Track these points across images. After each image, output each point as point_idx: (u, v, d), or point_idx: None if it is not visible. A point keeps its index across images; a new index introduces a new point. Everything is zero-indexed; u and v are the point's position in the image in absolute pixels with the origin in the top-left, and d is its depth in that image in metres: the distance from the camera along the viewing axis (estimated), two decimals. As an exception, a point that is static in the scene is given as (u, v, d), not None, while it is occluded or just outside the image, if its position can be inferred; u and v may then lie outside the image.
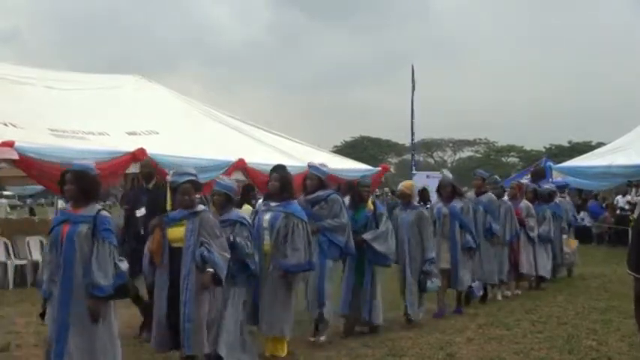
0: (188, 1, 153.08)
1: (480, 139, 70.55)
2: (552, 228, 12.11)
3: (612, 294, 10.70)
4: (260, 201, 8.24)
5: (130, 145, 9.20)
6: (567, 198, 16.50)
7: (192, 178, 6.20)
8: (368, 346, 7.60)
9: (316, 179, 7.86)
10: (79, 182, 5.41)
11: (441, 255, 9.36)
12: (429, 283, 8.68)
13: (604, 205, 23.07)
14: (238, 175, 10.71)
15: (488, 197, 10.63)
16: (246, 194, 9.85)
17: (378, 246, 8.11)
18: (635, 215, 18.00)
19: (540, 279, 11.86)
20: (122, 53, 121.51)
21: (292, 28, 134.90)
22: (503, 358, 7.09)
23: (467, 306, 9.94)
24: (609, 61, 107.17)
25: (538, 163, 18.15)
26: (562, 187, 16.22)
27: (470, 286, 9.81)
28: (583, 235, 18.76)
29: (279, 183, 7.26)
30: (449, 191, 9.72)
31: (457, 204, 9.64)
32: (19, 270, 12.43)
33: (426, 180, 17.91)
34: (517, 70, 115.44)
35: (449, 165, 69.57)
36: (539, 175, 16.88)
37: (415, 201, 9.07)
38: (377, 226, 8.21)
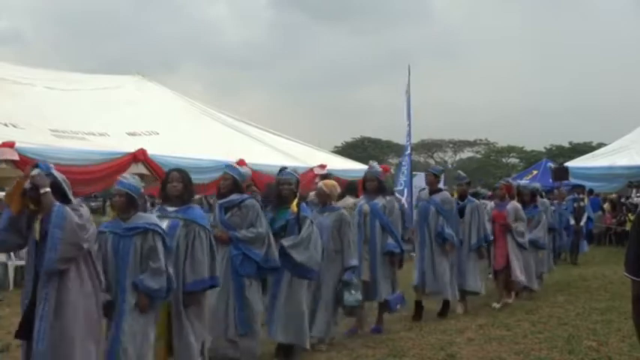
0: (188, 2, 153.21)
1: (481, 140, 70.50)
2: (545, 233, 11.51)
3: (613, 294, 10.70)
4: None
5: (130, 146, 9.20)
6: (586, 200, 16.54)
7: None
8: (369, 346, 7.60)
9: (230, 180, 6.83)
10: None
11: (361, 263, 8.05)
12: (347, 295, 7.39)
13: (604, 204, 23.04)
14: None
15: (441, 196, 9.45)
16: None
17: (297, 255, 6.81)
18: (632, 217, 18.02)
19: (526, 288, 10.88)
20: (122, 53, 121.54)
21: (293, 28, 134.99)
22: (503, 359, 7.08)
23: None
24: (610, 61, 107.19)
25: (561, 162, 17.85)
26: (578, 188, 16.25)
27: (386, 299, 8.31)
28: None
29: (183, 184, 6.10)
30: (374, 186, 8.45)
31: (380, 201, 8.36)
32: (20, 270, 12.43)
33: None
34: (517, 70, 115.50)
35: (449, 166, 69.58)
36: (562, 174, 16.77)
37: (335, 201, 7.93)
38: (299, 232, 6.92)
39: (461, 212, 9.82)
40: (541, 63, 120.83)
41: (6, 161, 7.60)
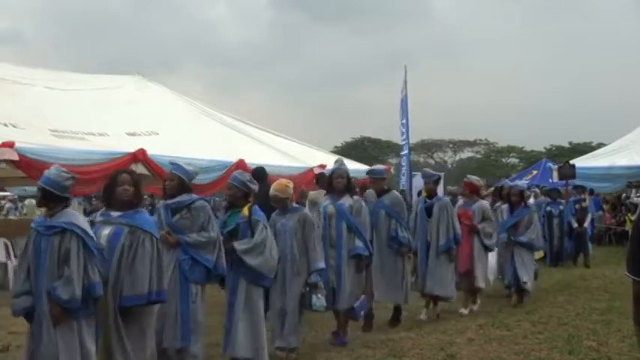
0: (188, 2, 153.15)
1: (480, 140, 70.47)
2: (539, 234, 10.86)
3: (613, 295, 10.69)
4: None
5: (130, 146, 9.20)
6: (587, 201, 16.43)
7: None
8: (368, 346, 7.60)
9: (176, 180, 6.32)
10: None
11: (328, 268, 7.52)
12: (314, 299, 6.93)
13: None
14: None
15: (390, 197, 8.69)
16: None
17: (250, 260, 6.37)
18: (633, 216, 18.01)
19: (520, 291, 10.44)
20: (122, 54, 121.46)
21: (292, 28, 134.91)
22: (503, 359, 7.08)
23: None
24: (610, 61, 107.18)
25: (566, 161, 17.68)
26: (579, 189, 16.13)
27: (352, 307, 7.77)
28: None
29: (134, 188, 5.49)
30: (342, 185, 7.89)
31: (346, 201, 7.84)
32: (19, 270, 12.44)
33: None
34: (518, 70, 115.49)
35: (449, 166, 69.60)
36: (568, 174, 16.66)
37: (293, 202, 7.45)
38: (252, 235, 6.47)
39: (429, 212, 9.32)
40: (541, 63, 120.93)
41: (6, 161, 7.60)
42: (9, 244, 12.47)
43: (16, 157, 7.58)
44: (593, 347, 7.47)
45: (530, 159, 54.95)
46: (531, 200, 16.65)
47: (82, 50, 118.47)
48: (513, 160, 66.43)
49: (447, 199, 9.81)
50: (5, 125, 8.55)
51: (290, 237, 7.01)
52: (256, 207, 6.70)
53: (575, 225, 15.71)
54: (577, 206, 16.01)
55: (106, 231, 5.29)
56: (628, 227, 18.58)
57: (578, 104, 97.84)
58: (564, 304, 10.25)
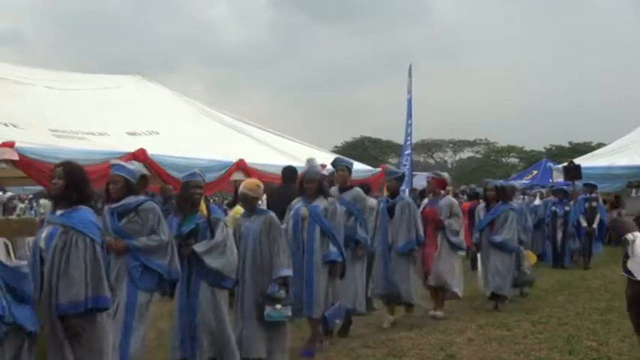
0: (188, 2, 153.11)
1: (480, 140, 70.46)
2: (515, 235, 9.99)
3: (613, 294, 10.68)
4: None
5: (130, 146, 9.20)
6: (600, 200, 16.24)
7: None
8: (368, 346, 7.59)
9: (121, 182, 5.82)
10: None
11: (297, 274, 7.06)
12: (267, 310, 6.37)
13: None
14: (239, 176, 10.72)
15: (352, 193, 8.05)
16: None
17: (212, 261, 5.95)
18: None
19: (495, 297, 9.91)
20: (122, 54, 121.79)
21: (293, 29, 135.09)
22: (503, 359, 7.08)
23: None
24: (610, 61, 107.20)
25: (571, 161, 17.41)
26: (590, 187, 15.96)
27: (324, 315, 7.27)
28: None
29: (64, 181, 4.77)
30: (314, 187, 7.34)
31: (320, 203, 7.31)
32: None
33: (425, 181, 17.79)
34: (517, 70, 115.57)
35: (449, 165, 69.58)
36: (575, 173, 16.28)
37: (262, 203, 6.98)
38: (212, 236, 6.06)
39: (390, 211, 8.79)
40: (541, 63, 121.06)
41: (6, 161, 7.60)
42: (9, 244, 12.44)
43: (16, 157, 7.58)
44: (593, 347, 7.47)
45: (530, 159, 54.98)
46: (537, 201, 16.61)
47: (82, 50, 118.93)
48: (513, 160, 66.45)
49: (410, 198, 9.23)
50: (5, 125, 8.55)
51: (254, 240, 6.54)
52: (214, 205, 6.43)
53: (584, 224, 15.31)
54: (587, 205, 15.55)
55: (44, 233, 4.74)
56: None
57: (578, 104, 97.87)
58: (564, 303, 10.24)
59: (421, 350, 7.42)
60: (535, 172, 27.97)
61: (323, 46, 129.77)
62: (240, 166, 10.55)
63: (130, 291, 5.60)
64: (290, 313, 6.53)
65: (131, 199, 5.78)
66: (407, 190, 16.27)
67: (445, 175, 10.20)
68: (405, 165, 16.69)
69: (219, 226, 6.12)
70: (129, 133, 10.37)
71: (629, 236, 3.24)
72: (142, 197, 5.88)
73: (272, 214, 6.79)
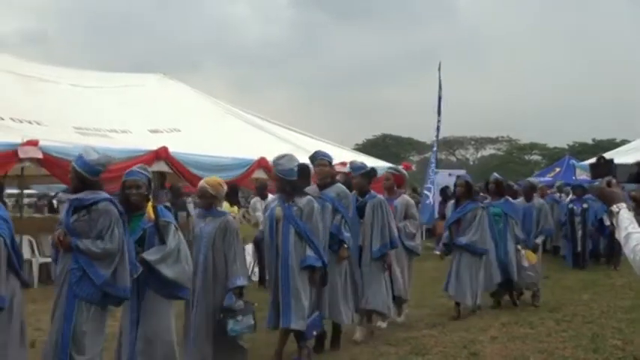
0: (210, 1, 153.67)
1: (503, 137, 70.13)
2: (485, 236, 9.10)
3: (638, 293, 10.58)
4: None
5: (152, 143, 9.25)
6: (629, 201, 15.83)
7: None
8: (391, 344, 7.56)
9: (73, 173, 5.19)
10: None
11: (272, 280, 6.68)
12: (231, 324, 5.84)
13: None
14: (260, 174, 10.75)
15: (336, 189, 7.26)
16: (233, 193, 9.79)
17: (167, 270, 5.27)
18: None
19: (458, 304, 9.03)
20: (145, 53, 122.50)
21: (314, 27, 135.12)
22: (527, 357, 7.02)
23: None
24: (636, 56, 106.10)
25: (601, 156, 17.01)
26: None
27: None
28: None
29: None
30: (288, 187, 6.66)
31: (295, 203, 6.61)
32: (44, 267, 12.52)
33: (448, 178, 17.81)
34: (540, 66, 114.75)
35: (471, 163, 69.24)
36: (605, 169, 15.62)
37: (221, 205, 6.46)
38: (163, 242, 5.34)
39: (360, 211, 7.75)
40: (565, 59, 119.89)
41: (30, 159, 7.66)
42: (33, 241, 12.56)
43: (40, 156, 7.64)
44: (618, 346, 7.39)
45: (552, 156, 54.63)
46: (568, 200, 16.25)
47: (106, 50, 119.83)
48: (536, 157, 66.05)
49: (381, 196, 8.03)
50: (30, 123, 8.64)
51: (207, 245, 5.97)
52: (161, 207, 5.66)
53: (607, 223, 13.98)
54: None
55: None
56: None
57: (601, 101, 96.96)
58: (589, 302, 10.15)
59: (444, 348, 7.38)
60: (558, 169, 27.77)
61: (344, 44, 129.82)
62: (262, 164, 10.56)
63: (68, 297, 4.94)
64: (252, 321, 5.98)
65: (88, 195, 5.07)
66: (432, 189, 16.32)
67: (404, 171, 9.43)
68: (432, 163, 16.73)
69: (170, 230, 5.38)
70: (151, 131, 10.44)
71: (614, 208, 3.16)
72: (100, 195, 5.09)
73: (229, 216, 6.26)
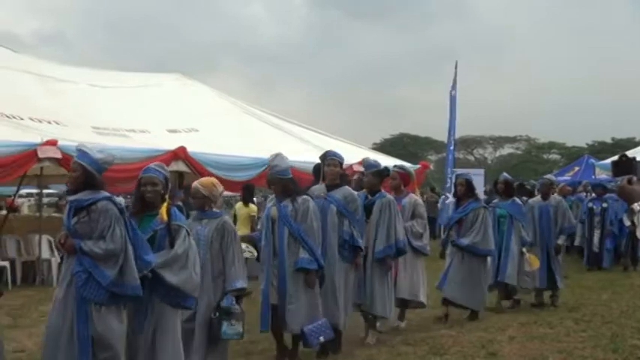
0: (227, 1, 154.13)
1: (521, 136, 69.60)
2: (488, 236, 8.75)
3: (658, 292, 10.51)
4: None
5: (170, 143, 9.29)
6: None
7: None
8: (409, 343, 7.55)
9: (79, 171, 4.96)
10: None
11: (268, 283, 6.50)
12: (224, 326, 5.64)
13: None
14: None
15: (343, 192, 7.07)
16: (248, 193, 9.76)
17: (171, 276, 5.03)
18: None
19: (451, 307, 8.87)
20: (163, 53, 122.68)
21: (330, 27, 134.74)
22: (546, 357, 6.98)
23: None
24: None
25: (623, 154, 16.66)
26: None
27: (302, 330, 6.44)
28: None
29: None
30: (278, 188, 6.59)
31: (289, 204, 6.49)
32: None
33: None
34: (558, 65, 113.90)
35: (489, 162, 68.93)
36: (627, 168, 15.22)
37: (217, 206, 6.20)
38: (172, 245, 5.11)
39: (368, 211, 7.50)
40: (583, 58, 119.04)
41: (49, 159, 7.72)
42: (52, 240, 12.65)
43: (59, 155, 7.70)
44: (638, 345, 7.33)
45: (571, 155, 54.22)
46: (588, 199, 15.99)
47: (124, 51, 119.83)
48: (554, 157, 65.61)
49: (391, 196, 7.78)
50: (49, 123, 8.70)
51: (205, 247, 5.73)
52: (175, 209, 5.43)
53: (627, 223, 14.14)
54: None
55: None
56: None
57: (621, 99, 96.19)
58: (608, 301, 10.08)
59: (462, 348, 7.36)
60: (577, 168, 27.65)
61: (361, 44, 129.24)
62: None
63: (77, 301, 4.78)
64: (242, 330, 5.76)
65: (87, 195, 4.91)
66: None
67: (411, 169, 9.20)
68: (450, 162, 16.71)
69: (181, 234, 5.18)
70: (169, 131, 10.48)
71: (636, 206, 3.16)
72: (101, 194, 4.93)
73: (226, 217, 6.08)
